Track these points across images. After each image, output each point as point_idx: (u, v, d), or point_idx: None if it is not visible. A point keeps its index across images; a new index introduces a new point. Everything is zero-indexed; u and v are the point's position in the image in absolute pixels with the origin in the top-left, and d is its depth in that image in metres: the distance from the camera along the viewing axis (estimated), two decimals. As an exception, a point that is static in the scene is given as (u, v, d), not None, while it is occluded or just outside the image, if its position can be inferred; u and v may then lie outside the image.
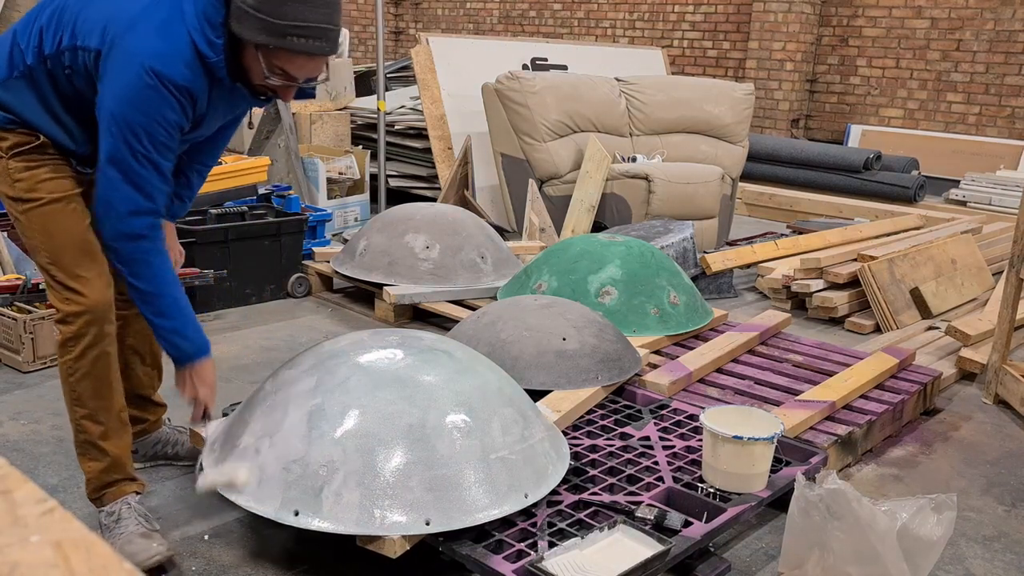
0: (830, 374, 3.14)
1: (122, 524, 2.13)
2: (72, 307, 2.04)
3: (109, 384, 2.15)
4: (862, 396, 2.98)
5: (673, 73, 8.62)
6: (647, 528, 2.02)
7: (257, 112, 5.80)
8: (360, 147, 6.12)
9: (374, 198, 5.82)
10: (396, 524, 1.90)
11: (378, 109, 5.68)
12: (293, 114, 5.80)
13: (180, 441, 2.58)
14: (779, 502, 2.44)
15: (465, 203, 5.56)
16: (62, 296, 2.05)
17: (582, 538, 1.97)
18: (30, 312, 3.29)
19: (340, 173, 5.55)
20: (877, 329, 4.08)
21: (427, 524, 1.91)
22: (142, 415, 2.52)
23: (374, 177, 5.90)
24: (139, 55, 1.86)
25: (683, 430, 2.64)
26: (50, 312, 3.29)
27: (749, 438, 2.22)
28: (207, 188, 4.48)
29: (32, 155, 2.02)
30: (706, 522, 2.11)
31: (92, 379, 2.10)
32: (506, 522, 2.03)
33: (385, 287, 3.90)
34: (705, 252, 4.91)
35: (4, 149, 2.01)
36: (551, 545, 1.97)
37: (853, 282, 4.23)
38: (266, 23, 1.83)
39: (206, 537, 2.24)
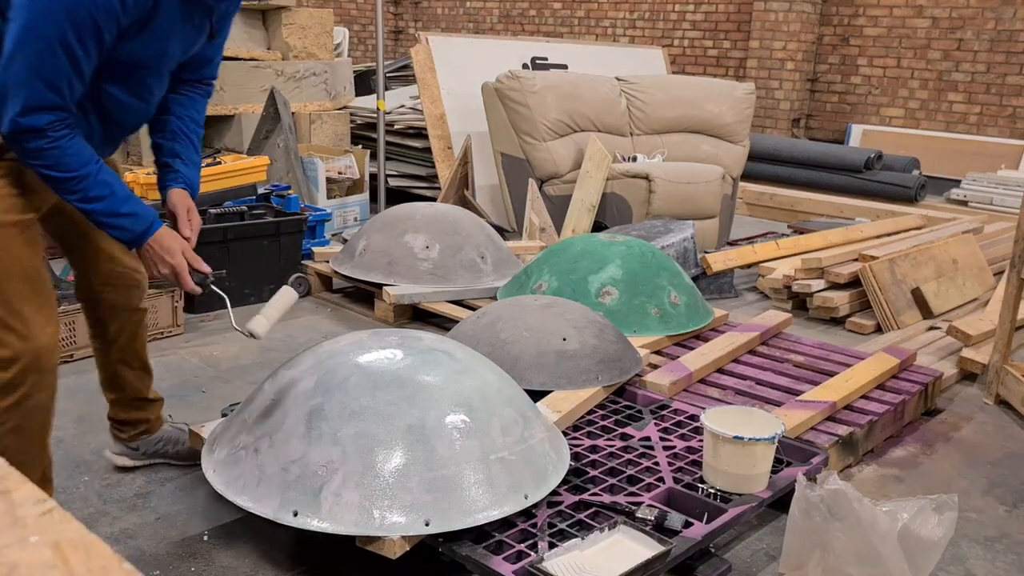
0: (831, 374, 3.14)
1: None
2: (6, 351, 1.80)
3: (41, 442, 1.94)
4: (863, 396, 2.98)
5: (674, 72, 8.62)
6: (647, 529, 2.02)
7: (257, 111, 5.80)
8: (360, 147, 6.11)
9: (374, 198, 5.82)
10: (396, 525, 1.90)
11: (378, 108, 5.67)
12: (292, 114, 5.79)
13: (181, 440, 2.55)
14: (780, 503, 2.44)
15: (465, 203, 5.55)
16: None
17: (582, 539, 1.97)
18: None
19: (339, 173, 5.55)
20: (878, 329, 4.08)
21: (427, 525, 1.91)
22: (142, 416, 2.49)
23: (373, 177, 5.89)
24: None
25: (684, 430, 2.64)
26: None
27: (750, 439, 2.21)
28: (206, 188, 4.48)
29: None
30: (707, 523, 2.10)
31: (22, 435, 1.86)
32: (506, 523, 2.03)
33: (385, 287, 3.90)
34: (706, 252, 4.90)
35: None
36: (551, 546, 1.97)
37: (854, 282, 4.23)
38: None
39: (206, 537, 2.23)
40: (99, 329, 2.35)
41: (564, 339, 2.84)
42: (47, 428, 1.95)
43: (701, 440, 2.43)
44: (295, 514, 1.92)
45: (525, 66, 6.52)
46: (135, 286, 2.32)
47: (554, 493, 2.17)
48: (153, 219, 1.97)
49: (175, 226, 2.12)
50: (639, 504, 2.16)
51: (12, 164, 1.83)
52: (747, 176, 7.15)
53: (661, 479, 2.31)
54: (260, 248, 4.14)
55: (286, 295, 2.17)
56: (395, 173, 6.45)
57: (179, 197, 2.15)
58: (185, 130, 2.17)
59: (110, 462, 2.53)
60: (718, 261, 4.48)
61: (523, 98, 5.28)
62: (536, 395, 2.65)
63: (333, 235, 5.28)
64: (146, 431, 2.51)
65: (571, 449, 2.41)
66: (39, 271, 1.89)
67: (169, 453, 2.55)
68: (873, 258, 4.17)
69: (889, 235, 5.16)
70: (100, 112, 1.95)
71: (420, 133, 6.36)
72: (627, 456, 2.45)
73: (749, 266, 4.68)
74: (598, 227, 5.14)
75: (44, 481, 2.01)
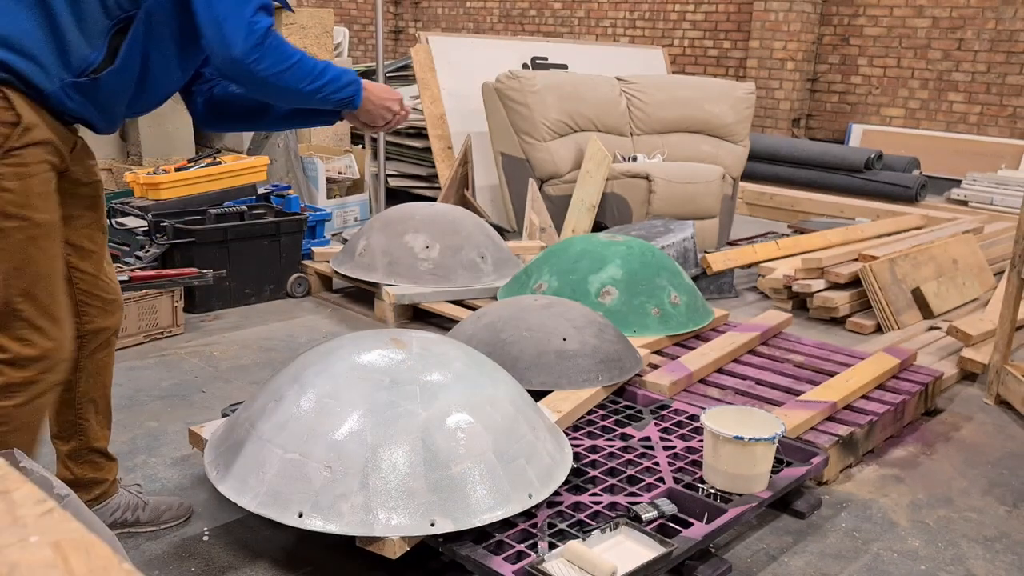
0: (831, 374, 3.14)
1: None
2: (32, 350, 1.78)
3: (37, 439, 1.89)
4: (863, 396, 2.98)
5: (674, 72, 8.62)
6: (649, 529, 2.02)
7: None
8: (360, 146, 6.11)
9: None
10: (400, 525, 1.90)
11: (378, 108, 5.66)
12: (293, 113, 5.79)
13: (140, 504, 2.23)
14: (780, 503, 2.44)
15: (465, 203, 5.55)
16: (22, 336, 1.76)
17: (583, 539, 1.97)
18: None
19: (339, 173, 5.55)
20: (878, 329, 4.08)
21: (432, 525, 1.91)
22: (99, 476, 2.16)
23: (374, 176, 5.89)
24: None
25: (684, 430, 2.63)
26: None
27: (750, 439, 2.21)
28: (206, 188, 4.48)
29: (24, 155, 1.72)
30: (707, 523, 2.10)
31: (26, 432, 1.84)
32: (507, 523, 2.03)
33: (385, 287, 3.90)
34: (706, 252, 4.90)
35: None
36: (552, 546, 1.97)
37: (854, 282, 4.22)
38: None
39: (206, 537, 2.23)
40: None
41: (564, 339, 2.84)
42: (43, 425, 1.94)
43: (701, 440, 2.43)
44: (299, 515, 1.92)
45: (525, 66, 6.52)
46: (115, 301, 2.10)
47: (554, 493, 2.17)
48: (354, 74, 2.04)
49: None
50: (639, 504, 2.16)
51: (48, 163, 1.79)
52: (747, 176, 7.15)
53: (661, 479, 2.31)
54: (260, 248, 4.14)
55: None
56: (395, 173, 6.45)
57: None
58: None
59: None
60: (718, 261, 4.48)
61: (523, 98, 5.28)
62: (536, 395, 2.65)
63: (333, 235, 5.28)
64: (102, 495, 2.18)
65: (571, 449, 2.41)
66: (64, 274, 1.88)
67: (129, 521, 2.21)
68: (873, 258, 4.17)
69: (889, 235, 5.16)
70: (143, 73, 1.89)
71: (420, 133, 6.36)
72: (627, 456, 2.45)
73: (749, 266, 4.68)
74: (598, 227, 5.14)
75: None
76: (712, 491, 2.26)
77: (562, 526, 2.06)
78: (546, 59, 6.73)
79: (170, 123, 5.46)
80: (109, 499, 2.19)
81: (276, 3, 1.98)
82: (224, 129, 2.36)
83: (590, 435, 2.58)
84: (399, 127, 6.43)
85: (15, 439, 1.80)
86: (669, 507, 2.14)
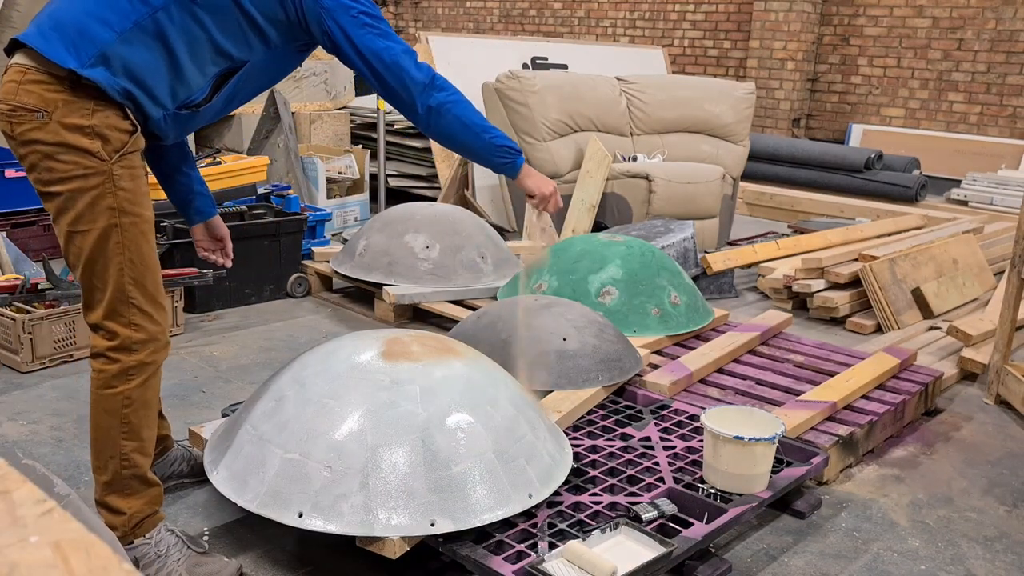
0: (831, 374, 3.13)
1: (172, 552, 2.03)
2: (142, 334, 1.95)
3: (156, 410, 2.08)
4: (863, 396, 2.98)
5: (674, 72, 8.62)
6: (649, 529, 2.02)
7: (257, 111, 5.80)
8: (360, 146, 6.11)
9: (374, 198, 5.82)
10: (400, 525, 1.90)
11: (377, 108, 5.67)
12: (292, 113, 5.79)
13: (192, 456, 2.48)
14: (780, 503, 2.44)
15: (465, 203, 5.55)
16: (133, 322, 1.93)
17: (584, 539, 1.97)
18: (28, 312, 3.29)
19: (340, 173, 5.55)
20: (878, 329, 4.08)
21: (432, 525, 1.91)
22: (162, 432, 2.39)
23: (374, 177, 5.89)
24: None
25: (684, 430, 2.63)
26: (49, 312, 3.29)
27: (750, 439, 2.21)
28: (207, 187, 4.48)
29: (133, 158, 1.90)
30: (707, 523, 2.10)
31: (147, 408, 2.01)
32: (507, 523, 2.03)
33: (385, 287, 3.90)
34: (706, 252, 4.90)
35: (110, 152, 1.84)
36: (552, 546, 1.96)
37: (854, 282, 4.22)
38: None
39: (206, 537, 2.23)
40: None
41: (564, 339, 2.84)
42: (158, 400, 2.11)
43: (701, 440, 2.43)
44: (300, 515, 1.92)
45: (525, 66, 6.52)
46: None
47: (554, 493, 2.17)
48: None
49: (224, 251, 2.51)
50: (639, 504, 2.16)
51: (143, 167, 1.96)
52: (747, 176, 7.15)
53: (661, 479, 2.31)
54: (260, 248, 4.14)
55: None
56: (395, 173, 6.46)
57: (221, 223, 2.47)
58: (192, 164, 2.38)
59: None
60: (718, 261, 4.48)
61: (523, 98, 5.28)
62: (536, 395, 2.64)
63: (333, 235, 5.28)
64: (164, 450, 2.42)
65: (571, 449, 2.41)
66: (159, 264, 2.06)
67: (184, 472, 2.47)
68: (873, 258, 4.16)
69: (889, 235, 5.16)
70: (229, 107, 2.11)
71: (420, 133, 6.36)
72: (627, 456, 2.45)
73: (749, 266, 4.68)
74: (598, 227, 5.14)
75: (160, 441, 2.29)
76: (712, 491, 2.26)
77: (562, 526, 2.05)
78: (546, 59, 6.73)
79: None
80: (169, 453, 2.45)
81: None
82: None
83: (590, 435, 2.58)
84: (398, 127, 6.43)
85: (139, 416, 2.00)
86: (669, 507, 2.14)
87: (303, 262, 4.37)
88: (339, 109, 6.35)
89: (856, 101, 8.46)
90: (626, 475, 2.33)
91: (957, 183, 7.18)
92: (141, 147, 1.94)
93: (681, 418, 2.71)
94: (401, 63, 2.05)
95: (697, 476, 2.34)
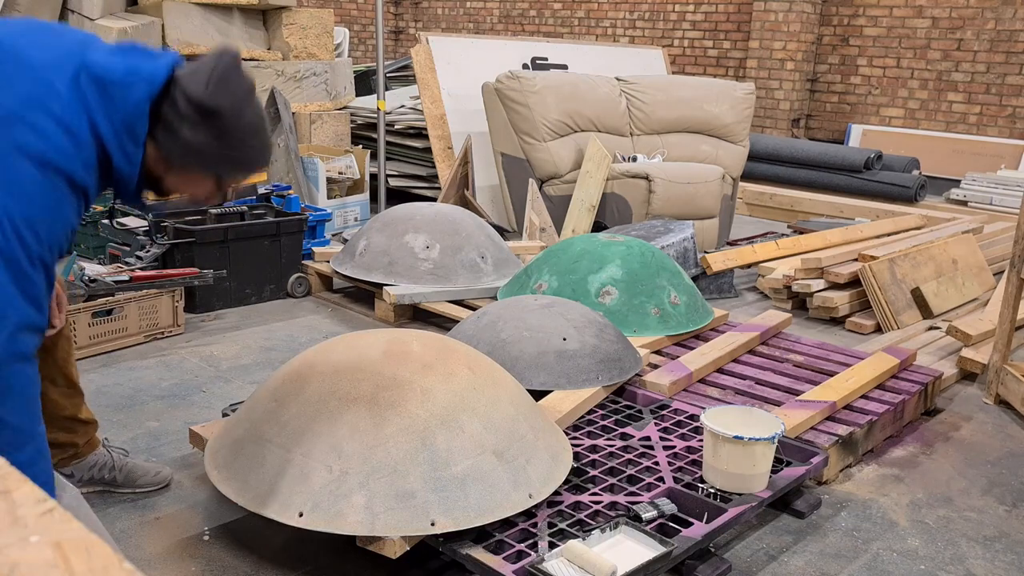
0: (831, 374, 3.14)
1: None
2: None
3: None
4: (863, 396, 2.98)
5: (674, 72, 8.61)
6: (649, 529, 2.02)
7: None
8: (360, 147, 6.11)
9: (374, 198, 5.82)
10: (400, 525, 1.90)
11: (378, 108, 5.67)
12: (293, 114, 5.79)
13: (119, 465, 2.37)
14: (779, 502, 2.44)
15: (465, 203, 5.55)
16: None
17: (583, 539, 1.97)
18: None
19: (340, 173, 5.55)
20: (878, 329, 4.08)
21: (432, 525, 1.91)
22: (70, 438, 2.31)
23: (374, 177, 5.89)
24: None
25: (684, 430, 2.64)
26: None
27: (750, 438, 2.21)
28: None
29: None
30: (707, 522, 2.10)
31: None
32: (507, 522, 2.03)
33: (385, 287, 3.90)
34: (706, 252, 4.90)
35: None
36: (552, 546, 1.97)
37: (854, 282, 4.23)
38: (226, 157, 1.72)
39: (206, 537, 2.24)
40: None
41: (564, 339, 2.84)
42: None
43: (701, 440, 2.43)
44: (300, 514, 1.92)
45: (525, 66, 6.52)
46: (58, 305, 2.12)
47: (554, 493, 2.17)
48: None
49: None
50: (639, 504, 2.16)
51: None
52: (747, 176, 7.15)
53: (661, 479, 2.31)
54: (260, 248, 4.14)
55: None
56: (395, 173, 6.46)
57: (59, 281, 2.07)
58: None
59: None
60: (718, 261, 4.48)
61: (523, 98, 5.28)
62: (536, 395, 2.65)
63: (333, 235, 5.28)
64: (75, 455, 2.34)
65: (571, 449, 2.41)
66: None
67: (106, 479, 2.38)
68: (873, 258, 4.17)
69: (889, 235, 5.16)
70: None
71: (420, 133, 6.36)
72: (627, 456, 2.45)
73: (749, 266, 4.68)
74: (598, 227, 5.14)
75: None
76: (712, 491, 2.26)
77: (562, 526, 2.06)
78: (546, 59, 6.73)
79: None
80: (83, 458, 2.35)
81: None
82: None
83: (590, 435, 2.58)
84: (399, 127, 6.42)
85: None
86: (669, 507, 2.14)
87: (303, 262, 4.37)
88: (339, 109, 6.34)
89: (856, 101, 8.46)
90: (626, 475, 2.34)
91: (956, 183, 7.18)
92: None
93: (681, 418, 2.72)
94: None
95: (697, 476, 2.34)
